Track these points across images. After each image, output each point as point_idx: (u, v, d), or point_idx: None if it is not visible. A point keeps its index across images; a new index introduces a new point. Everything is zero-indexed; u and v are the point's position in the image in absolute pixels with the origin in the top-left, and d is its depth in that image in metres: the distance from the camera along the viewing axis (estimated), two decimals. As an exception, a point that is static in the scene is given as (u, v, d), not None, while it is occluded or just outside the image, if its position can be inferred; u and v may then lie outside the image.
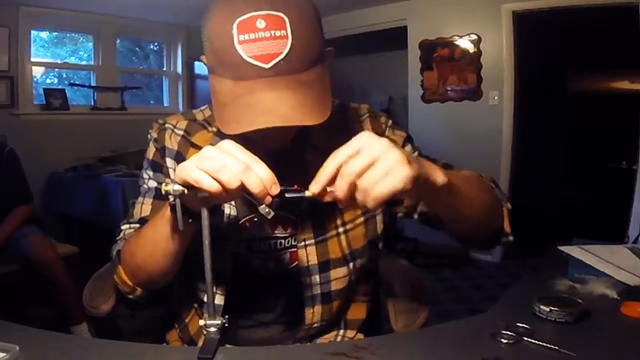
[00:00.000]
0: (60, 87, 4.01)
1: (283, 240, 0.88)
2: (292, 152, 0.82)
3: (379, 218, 0.91)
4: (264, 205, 0.68)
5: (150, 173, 0.90)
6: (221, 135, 0.85)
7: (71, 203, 3.41)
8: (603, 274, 0.93)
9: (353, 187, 0.58)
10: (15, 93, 3.56)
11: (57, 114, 3.80)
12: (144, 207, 0.89)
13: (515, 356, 0.67)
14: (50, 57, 4.08)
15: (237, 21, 0.65)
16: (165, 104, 4.78)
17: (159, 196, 0.87)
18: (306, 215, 0.86)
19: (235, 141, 0.63)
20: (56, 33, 4.09)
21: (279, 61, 0.65)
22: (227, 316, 0.74)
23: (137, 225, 0.88)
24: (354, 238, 0.88)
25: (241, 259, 0.88)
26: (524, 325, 0.73)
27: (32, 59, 3.73)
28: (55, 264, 2.17)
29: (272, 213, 0.69)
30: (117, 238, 0.89)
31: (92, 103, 4.08)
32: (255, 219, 0.87)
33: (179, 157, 0.88)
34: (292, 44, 0.66)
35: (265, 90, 0.66)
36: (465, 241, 0.89)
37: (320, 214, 0.87)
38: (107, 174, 3.32)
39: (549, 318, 0.76)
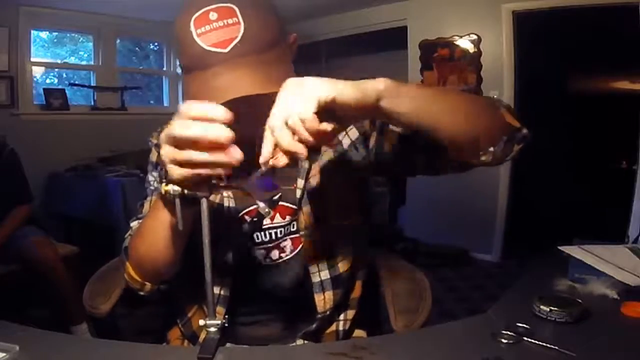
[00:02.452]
0: (60, 87, 4.01)
1: (283, 229, 0.89)
2: None
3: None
4: (263, 205, 0.69)
5: (155, 174, 0.93)
6: None
7: (71, 203, 3.41)
8: (603, 274, 0.93)
9: (290, 135, 0.61)
10: (15, 93, 3.55)
11: (57, 114, 3.80)
12: (149, 205, 0.91)
13: (515, 356, 0.67)
14: (50, 57, 4.08)
15: (193, 18, 0.72)
16: (165, 104, 4.78)
17: None
18: (302, 201, 0.88)
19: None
20: (56, 33, 4.09)
21: (236, 44, 0.71)
22: (227, 316, 0.74)
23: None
24: (346, 208, 0.91)
25: (244, 250, 0.89)
26: (524, 325, 0.73)
27: (32, 59, 3.72)
28: (55, 264, 2.17)
29: (271, 212, 0.70)
30: (126, 235, 0.91)
31: (92, 103, 4.08)
32: (256, 218, 0.87)
33: None
34: (245, 28, 0.72)
35: (228, 72, 0.71)
36: (462, 148, 0.76)
37: (317, 201, 0.89)
38: (107, 174, 3.31)
39: (549, 318, 0.76)
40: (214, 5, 0.72)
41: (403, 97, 0.67)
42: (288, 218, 0.89)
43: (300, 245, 0.89)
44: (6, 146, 2.29)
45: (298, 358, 0.74)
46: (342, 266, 0.92)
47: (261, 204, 0.69)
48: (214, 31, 0.71)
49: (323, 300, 0.90)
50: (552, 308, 0.76)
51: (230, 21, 0.71)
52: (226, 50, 0.71)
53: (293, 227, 0.89)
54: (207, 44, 0.71)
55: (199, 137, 0.60)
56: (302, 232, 0.88)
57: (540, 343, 0.68)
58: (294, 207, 0.88)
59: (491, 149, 0.72)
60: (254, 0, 0.75)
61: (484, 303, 2.85)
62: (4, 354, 0.64)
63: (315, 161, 0.89)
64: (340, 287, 0.92)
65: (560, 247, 1.08)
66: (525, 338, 0.70)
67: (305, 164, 0.88)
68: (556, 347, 0.67)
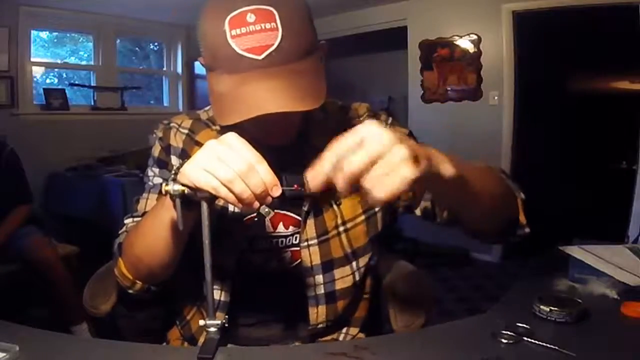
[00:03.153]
0: (60, 87, 4.01)
1: (284, 239, 0.88)
2: (292, 153, 0.83)
3: (379, 215, 0.91)
4: (263, 205, 0.69)
5: (156, 170, 0.91)
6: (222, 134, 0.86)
7: (71, 203, 3.41)
8: (603, 274, 0.93)
9: (354, 181, 0.55)
10: (15, 93, 3.56)
11: (57, 114, 3.80)
12: (148, 202, 0.90)
13: (515, 356, 0.67)
14: (50, 57, 4.08)
15: (228, 17, 0.68)
16: (165, 104, 4.78)
17: None
18: (309, 214, 0.86)
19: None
20: (56, 33, 4.09)
21: (271, 52, 0.68)
22: (227, 316, 0.74)
23: (140, 219, 0.88)
24: (354, 237, 0.89)
25: (244, 256, 0.88)
26: (524, 325, 0.73)
27: (32, 59, 3.72)
28: (55, 264, 2.17)
29: (272, 213, 0.70)
30: (120, 232, 0.89)
31: (92, 103, 4.08)
32: (256, 219, 0.87)
33: (184, 155, 0.89)
34: (282, 35, 0.68)
35: (259, 80, 0.68)
36: (478, 234, 0.86)
37: (322, 213, 0.87)
38: (107, 174, 3.31)
39: (549, 318, 0.76)
40: (253, 7, 0.68)
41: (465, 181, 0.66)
42: (291, 229, 0.87)
43: (300, 259, 0.87)
44: (6, 146, 2.29)
45: (298, 358, 0.74)
46: (341, 283, 0.89)
47: (262, 205, 0.69)
48: (250, 35, 0.67)
49: (316, 314, 0.88)
50: (552, 308, 0.76)
51: (268, 26, 0.67)
52: (260, 58, 0.68)
53: (295, 240, 0.87)
54: (240, 47, 0.68)
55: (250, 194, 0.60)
56: (302, 245, 0.87)
57: (540, 343, 0.68)
58: (298, 218, 0.86)
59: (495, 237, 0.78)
60: (295, 5, 0.72)
61: (484, 303, 2.85)
62: (4, 354, 0.64)
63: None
64: (335, 302, 0.90)
65: (560, 247, 1.08)
66: (525, 338, 0.70)
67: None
68: (556, 347, 0.67)
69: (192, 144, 0.90)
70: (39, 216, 2.72)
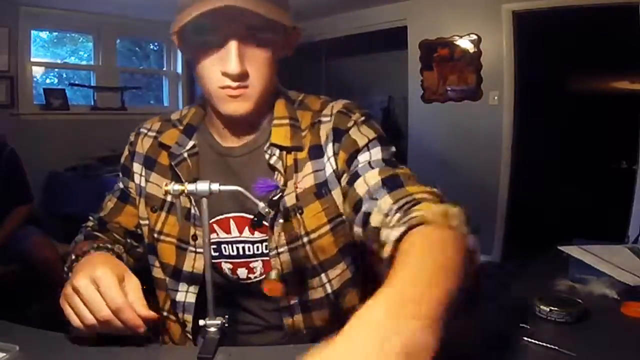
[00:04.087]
0: (60, 87, 4.01)
1: (252, 246, 0.85)
2: (255, 152, 0.85)
3: (347, 224, 0.82)
4: (262, 205, 0.69)
5: (120, 175, 0.95)
6: (187, 133, 0.89)
7: (71, 203, 3.41)
8: (603, 274, 0.93)
9: None
10: (15, 93, 3.55)
11: (57, 114, 3.80)
12: (108, 204, 0.94)
13: (516, 356, 0.67)
14: (50, 57, 4.08)
15: None
16: (165, 104, 4.78)
17: (123, 198, 0.93)
18: (276, 223, 0.82)
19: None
20: (56, 33, 4.09)
21: None
22: (226, 316, 0.74)
23: (96, 222, 0.94)
24: (319, 248, 0.82)
25: (214, 262, 0.86)
26: (524, 325, 0.73)
27: (32, 59, 3.72)
28: (55, 264, 2.17)
29: (272, 213, 0.70)
30: (83, 225, 0.96)
31: (92, 103, 4.08)
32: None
33: (149, 161, 0.91)
34: None
35: None
36: None
37: (290, 219, 0.82)
38: (107, 174, 3.31)
39: (549, 318, 0.76)
40: None
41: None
42: (258, 234, 0.83)
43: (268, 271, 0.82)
44: (6, 146, 2.29)
45: (298, 358, 0.73)
46: (313, 293, 0.84)
47: (261, 204, 0.69)
48: None
49: (292, 324, 0.85)
50: (552, 308, 0.76)
51: None
52: None
53: (265, 249, 0.84)
54: None
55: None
56: (272, 254, 0.82)
57: (540, 343, 0.68)
58: (265, 223, 0.81)
59: None
60: None
61: (484, 303, 2.85)
62: (4, 354, 0.64)
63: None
64: (310, 312, 0.85)
65: (560, 247, 1.08)
66: (525, 338, 0.70)
67: (281, 181, 0.81)
68: (556, 347, 0.67)
69: (158, 147, 0.90)
70: (39, 216, 2.72)
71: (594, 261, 0.98)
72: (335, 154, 0.82)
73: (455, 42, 3.75)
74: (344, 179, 0.81)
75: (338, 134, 0.83)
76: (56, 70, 4.18)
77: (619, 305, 0.82)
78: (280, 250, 0.82)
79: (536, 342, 0.69)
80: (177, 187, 0.68)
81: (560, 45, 4.11)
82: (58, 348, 0.70)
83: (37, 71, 3.93)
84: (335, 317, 0.87)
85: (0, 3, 3.39)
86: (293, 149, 0.83)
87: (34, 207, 2.45)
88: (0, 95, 3.47)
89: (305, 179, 0.82)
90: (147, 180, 0.90)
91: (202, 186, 0.68)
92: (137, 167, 0.92)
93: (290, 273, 0.82)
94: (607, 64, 4.27)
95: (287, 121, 0.85)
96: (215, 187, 0.68)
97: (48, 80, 4.13)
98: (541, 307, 0.77)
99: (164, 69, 4.76)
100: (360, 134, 0.82)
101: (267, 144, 0.83)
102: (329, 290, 0.85)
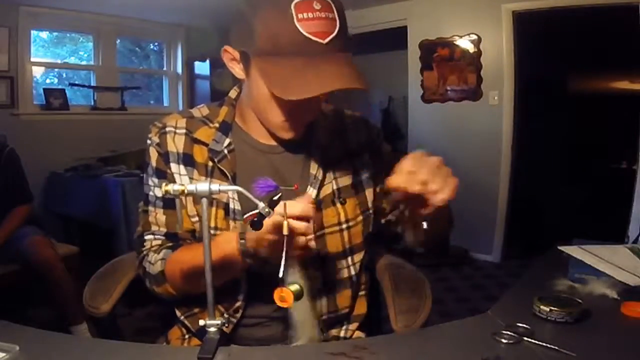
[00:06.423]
0: (60, 87, 4.01)
1: None
2: (299, 148, 0.92)
3: (372, 218, 0.99)
4: (262, 205, 0.69)
5: (156, 180, 0.92)
6: (223, 131, 0.91)
7: (71, 203, 3.41)
8: (603, 274, 0.93)
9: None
10: (15, 93, 3.55)
11: (57, 114, 3.80)
12: (158, 217, 0.91)
13: (515, 356, 0.67)
14: (50, 57, 4.08)
15: (294, 3, 0.74)
16: (165, 104, 4.78)
17: (168, 205, 0.91)
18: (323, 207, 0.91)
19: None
20: (56, 33, 4.08)
21: (332, 38, 0.75)
22: (226, 315, 0.74)
23: (164, 238, 0.91)
24: (354, 234, 0.95)
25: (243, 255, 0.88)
26: (524, 325, 0.73)
27: (32, 59, 3.72)
28: (55, 264, 2.17)
29: (272, 212, 0.70)
30: (144, 249, 0.91)
31: (92, 103, 4.08)
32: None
33: (186, 158, 0.90)
34: (339, 25, 0.76)
35: (327, 63, 0.75)
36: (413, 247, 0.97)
37: (322, 210, 0.91)
38: (107, 174, 3.31)
39: (549, 318, 0.76)
40: None
41: None
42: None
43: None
44: (6, 146, 2.29)
45: (298, 358, 0.74)
46: (338, 275, 0.93)
47: (261, 204, 0.69)
48: (316, 20, 0.73)
49: (319, 306, 0.91)
50: (552, 308, 0.76)
51: (330, 15, 0.75)
52: (324, 42, 0.74)
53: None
54: (307, 30, 0.73)
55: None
56: (317, 234, 0.89)
57: (540, 343, 0.68)
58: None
59: None
60: (341, 1, 0.79)
61: (484, 303, 2.85)
62: (4, 354, 0.64)
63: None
64: (335, 294, 0.94)
65: (560, 247, 1.08)
66: (525, 338, 0.70)
67: (320, 174, 0.90)
68: (556, 347, 0.67)
69: (192, 143, 0.91)
70: (39, 216, 2.71)
71: (593, 261, 0.98)
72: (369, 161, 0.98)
73: (455, 42, 3.75)
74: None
75: (370, 143, 1.00)
76: (56, 70, 4.18)
77: (619, 305, 0.82)
78: (325, 231, 0.91)
79: (536, 342, 0.69)
80: (177, 187, 0.68)
81: (560, 45, 4.11)
82: (58, 348, 0.71)
83: (37, 71, 3.93)
84: (352, 302, 0.97)
85: (0, 3, 3.39)
86: (331, 147, 0.93)
87: (33, 207, 2.44)
88: (0, 95, 3.47)
89: (344, 178, 0.94)
90: (190, 178, 0.90)
91: (202, 186, 0.68)
92: (174, 167, 0.91)
93: (319, 257, 0.90)
94: (607, 64, 4.27)
95: (324, 122, 0.96)
96: (215, 187, 0.68)
97: (48, 80, 4.12)
98: (541, 307, 0.77)
99: (164, 69, 4.76)
100: (384, 147, 1.02)
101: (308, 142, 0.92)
102: (352, 272, 0.96)
